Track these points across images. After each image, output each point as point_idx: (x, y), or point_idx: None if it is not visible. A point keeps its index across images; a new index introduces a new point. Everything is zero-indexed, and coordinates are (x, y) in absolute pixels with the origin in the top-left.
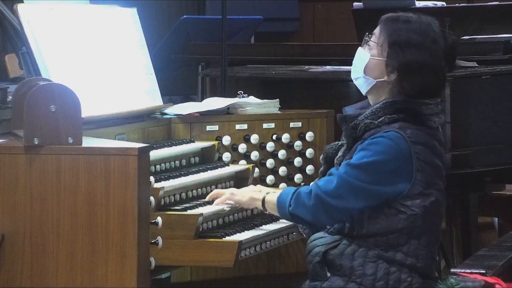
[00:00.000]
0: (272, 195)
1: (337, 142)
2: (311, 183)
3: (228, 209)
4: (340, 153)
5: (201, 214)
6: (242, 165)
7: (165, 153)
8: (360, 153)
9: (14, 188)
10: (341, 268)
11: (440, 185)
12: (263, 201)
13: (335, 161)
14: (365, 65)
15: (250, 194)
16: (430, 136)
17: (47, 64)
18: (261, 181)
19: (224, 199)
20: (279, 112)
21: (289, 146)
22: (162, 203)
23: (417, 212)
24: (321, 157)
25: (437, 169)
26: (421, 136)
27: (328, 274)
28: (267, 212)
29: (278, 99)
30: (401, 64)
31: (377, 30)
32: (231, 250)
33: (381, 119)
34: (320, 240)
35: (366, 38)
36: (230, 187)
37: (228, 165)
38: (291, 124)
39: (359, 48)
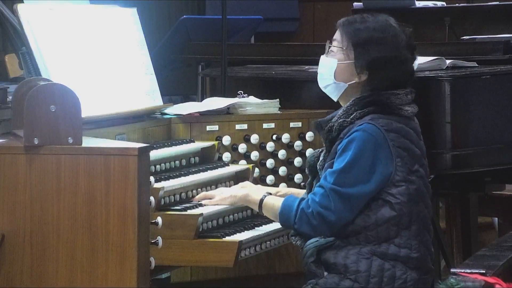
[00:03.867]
0: (271, 199)
1: (317, 150)
2: (308, 194)
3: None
4: (321, 158)
5: (201, 214)
6: (242, 165)
7: (165, 153)
8: (342, 155)
9: (14, 188)
10: (336, 267)
11: (421, 172)
12: (261, 204)
13: (318, 166)
14: (334, 71)
15: (245, 194)
16: (402, 125)
17: (47, 64)
18: (261, 181)
19: (214, 203)
20: (279, 112)
21: (289, 146)
22: (162, 203)
23: (402, 200)
24: (306, 168)
25: (416, 155)
26: (393, 124)
27: (325, 273)
28: (263, 214)
29: (278, 99)
30: (369, 62)
31: (337, 36)
32: (231, 250)
33: (352, 115)
34: (314, 243)
35: (328, 46)
36: (230, 187)
37: (228, 165)
38: (291, 124)
39: (322, 56)
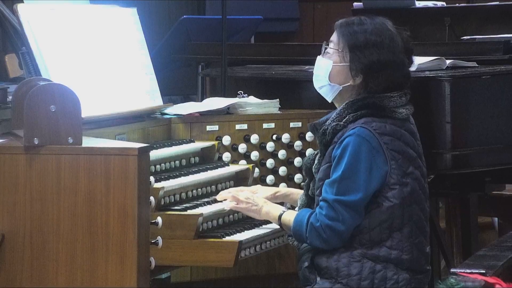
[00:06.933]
0: (288, 215)
1: (313, 153)
2: (317, 208)
3: (228, 209)
4: (316, 161)
5: (201, 214)
6: (242, 165)
7: (165, 153)
8: (339, 164)
9: (14, 188)
10: (328, 271)
11: (416, 174)
12: (280, 221)
13: (313, 169)
14: (329, 73)
15: (266, 211)
16: (397, 127)
17: (47, 64)
18: (261, 181)
19: (239, 209)
20: (279, 112)
21: (289, 146)
22: (162, 203)
23: (395, 202)
24: (303, 170)
25: (410, 158)
26: (387, 127)
27: (318, 279)
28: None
29: (278, 99)
30: (364, 66)
31: (334, 37)
32: (231, 250)
33: (345, 118)
34: (308, 246)
35: (325, 47)
36: (230, 187)
37: (228, 165)
38: (291, 124)
39: (318, 57)
